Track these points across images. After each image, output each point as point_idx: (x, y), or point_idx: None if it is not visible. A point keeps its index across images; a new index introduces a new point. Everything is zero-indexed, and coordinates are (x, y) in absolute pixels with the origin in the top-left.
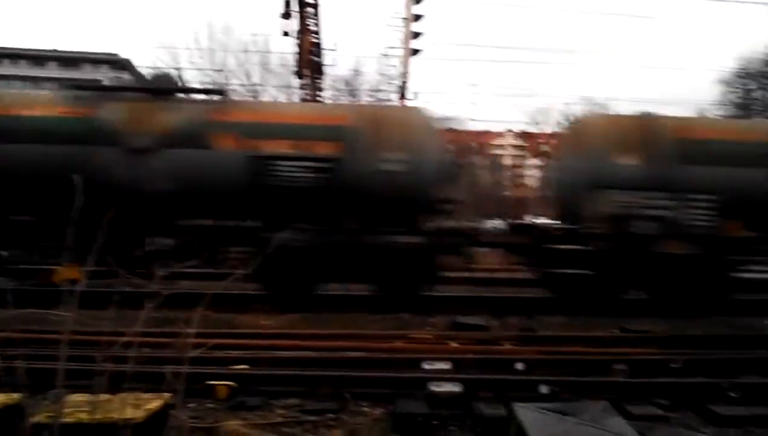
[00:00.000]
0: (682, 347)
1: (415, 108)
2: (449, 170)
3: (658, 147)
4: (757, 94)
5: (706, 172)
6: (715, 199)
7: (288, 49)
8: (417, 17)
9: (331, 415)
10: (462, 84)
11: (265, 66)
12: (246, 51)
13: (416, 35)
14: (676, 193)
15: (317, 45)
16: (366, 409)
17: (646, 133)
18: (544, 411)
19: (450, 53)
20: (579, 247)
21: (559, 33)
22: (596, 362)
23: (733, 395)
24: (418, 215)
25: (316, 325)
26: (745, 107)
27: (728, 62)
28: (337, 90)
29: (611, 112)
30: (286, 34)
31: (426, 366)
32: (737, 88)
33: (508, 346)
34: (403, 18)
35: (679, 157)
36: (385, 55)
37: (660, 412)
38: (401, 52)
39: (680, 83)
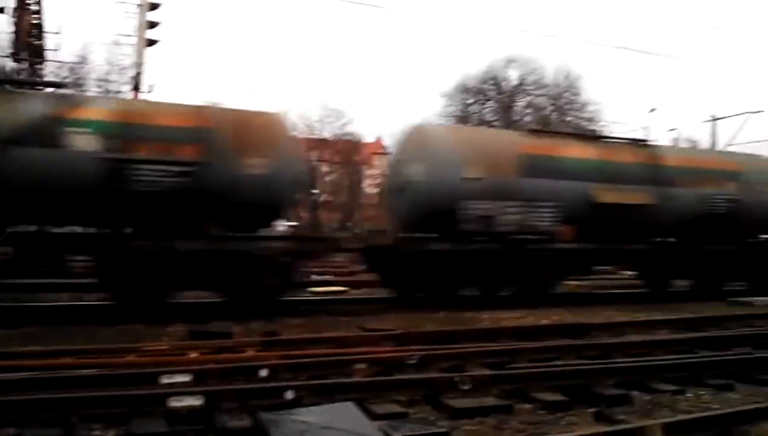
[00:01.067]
0: (418, 344)
1: (274, 114)
2: (307, 176)
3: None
4: (474, 108)
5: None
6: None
7: (2, 28)
8: (154, 6)
9: None
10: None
11: None
12: None
13: (153, 25)
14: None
15: (38, 26)
16: (97, 433)
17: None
18: (290, 418)
19: (195, 44)
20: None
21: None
22: (340, 362)
23: (464, 387)
24: (276, 220)
25: (40, 340)
26: (463, 120)
27: (450, 78)
28: (61, 78)
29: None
30: (0, 10)
31: (165, 380)
32: (457, 101)
33: (251, 352)
34: (138, 5)
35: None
36: (117, 44)
37: (400, 409)
38: (135, 41)
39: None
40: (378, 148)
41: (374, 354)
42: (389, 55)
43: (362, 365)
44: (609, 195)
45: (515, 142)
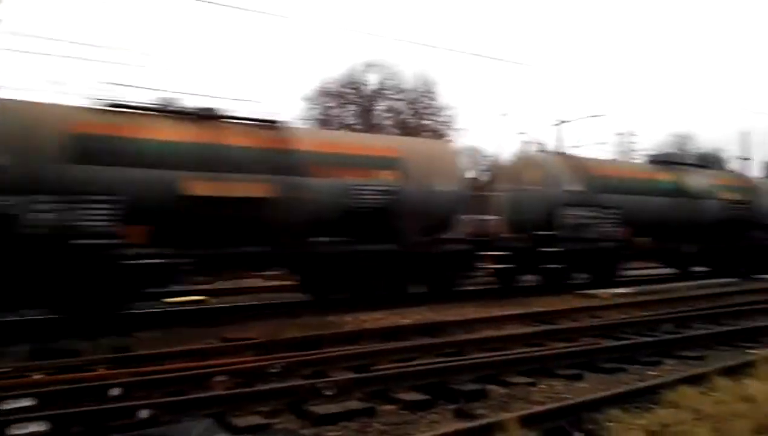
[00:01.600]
0: (281, 351)
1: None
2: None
3: None
4: (336, 111)
5: None
6: None
7: None
8: None
9: None
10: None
11: None
12: None
13: None
14: None
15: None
16: None
17: None
18: None
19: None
20: None
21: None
22: (198, 376)
23: (328, 393)
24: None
25: None
26: (325, 123)
27: (311, 81)
28: None
29: None
30: None
31: (5, 406)
32: (318, 105)
33: (101, 370)
34: None
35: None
36: None
37: (262, 420)
38: None
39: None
40: None
41: (235, 365)
42: (247, 56)
43: (222, 378)
44: (206, 187)
45: (64, 119)
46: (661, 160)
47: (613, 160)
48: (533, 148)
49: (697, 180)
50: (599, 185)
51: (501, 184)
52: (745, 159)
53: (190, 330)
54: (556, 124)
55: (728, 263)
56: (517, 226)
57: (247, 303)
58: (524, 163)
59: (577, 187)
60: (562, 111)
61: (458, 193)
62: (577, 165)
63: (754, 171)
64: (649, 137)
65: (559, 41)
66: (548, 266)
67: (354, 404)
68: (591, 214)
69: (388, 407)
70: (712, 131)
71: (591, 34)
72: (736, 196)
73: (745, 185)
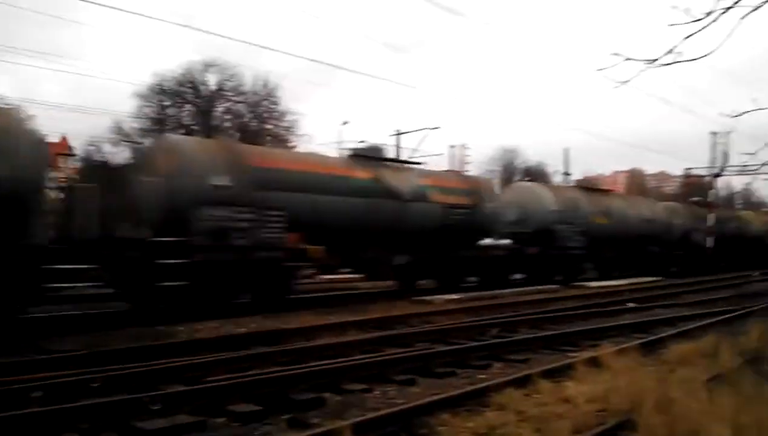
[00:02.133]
0: (104, 364)
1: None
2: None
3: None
4: (172, 110)
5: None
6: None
7: None
8: None
9: None
10: None
11: None
12: None
13: None
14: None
15: None
16: None
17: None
18: None
19: None
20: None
21: None
22: (11, 391)
23: (154, 407)
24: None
25: None
26: (160, 122)
27: (145, 77)
28: None
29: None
30: None
31: None
32: (153, 103)
33: None
34: None
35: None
36: None
37: None
38: None
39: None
40: (63, 149)
41: (53, 380)
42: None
43: (39, 393)
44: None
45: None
46: (361, 155)
47: (293, 153)
48: None
49: (407, 179)
50: (260, 180)
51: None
52: (567, 174)
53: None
54: (393, 135)
55: (449, 273)
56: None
57: (68, 313)
58: (158, 148)
59: (223, 180)
60: (401, 122)
61: None
62: (231, 153)
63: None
64: (481, 151)
65: (400, 53)
66: (166, 283)
67: (183, 418)
68: (244, 216)
69: (220, 419)
70: (537, 147)
71: (431, 47)
72: (457, 200)
73: (469, 187)
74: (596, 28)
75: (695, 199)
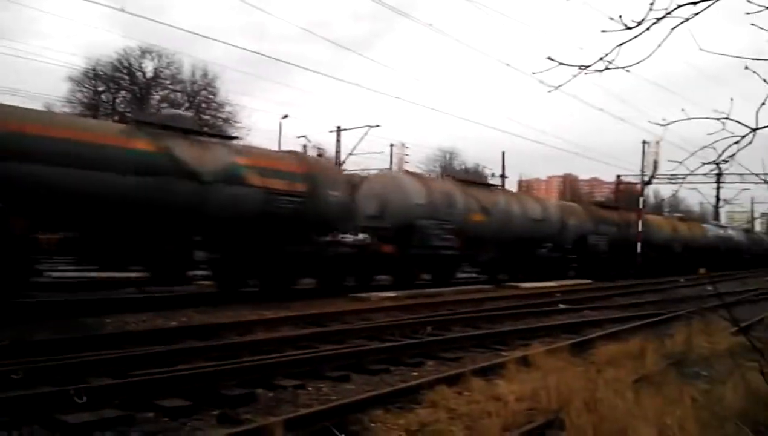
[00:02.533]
0: (27, 356)
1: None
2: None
3: None
4: (106, 96)
5: None
6: None
7: None
8: None
9: None
10: None
11: None
12: None
13: None
14: None
15: None
16: None
17: None
18: None
19: None
20: None
21: None
22: None
23: (80, 400)
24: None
25: None
26: (93, 108)
27: (78, 60)
28: None
29: None
30: None
31: None
32: (87, 88)
33: None
34: None
35: None
36: None
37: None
38: None
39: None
40: None
41: None
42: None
43: None
44: None
45: None
46: (148, 122)
47: (43, 113)
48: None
49: (213, 156)
50: None
51: None
52: (503, 177)
53: None
54: (334, 131)
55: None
56: None
57: None
58: None
59: None
60: (342, 119)
61: None
62: None
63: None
64: (420, 150)
65: (345, 50)
66: None
67: (110, 413)
68: None
69: (148, 414)
70: (476, 149)
71: (377, 45)
72: (286, 185)
73: (304, 171)
74: (538, 32)
75: (600, 200)
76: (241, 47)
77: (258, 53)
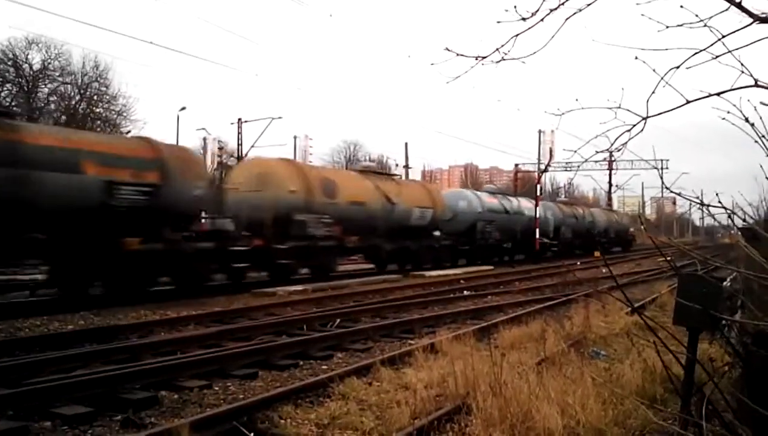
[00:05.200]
0: None
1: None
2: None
3: None
4: None
5: None
6: None
7: None
8: None
9: None
10: None
11: None
12: None
13: None
14: None
15: None
16: None
17: None
18: None
19: None
20: None
21: None
22: None
23: None
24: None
25: None
26: None
27: None
28: None
29: None
30: None
31: None
32: None
33: None
34: None
35: None
36: None
37: None
38: None
39: None
40: None
41: None
42: None
43: None
44: None
45: None
46: None
47: None
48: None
49: (31, 138)
50: None
51: None
52: (407, 167)
53: None
54: (235, 123)
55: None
56: None
57: None
58: None
59: None
60: (243, 111)
61: None
62: None
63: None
64: (324, 142)
65: (245, 40)
66: None
67: (4, 424)
68: None
69: (46, 423)
70: (380, 140)
71: (276, 36)
72: (131, 175)
73: (151, 157)
74: (439, 24)
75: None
76: (135, 37)
77: (153, 43)
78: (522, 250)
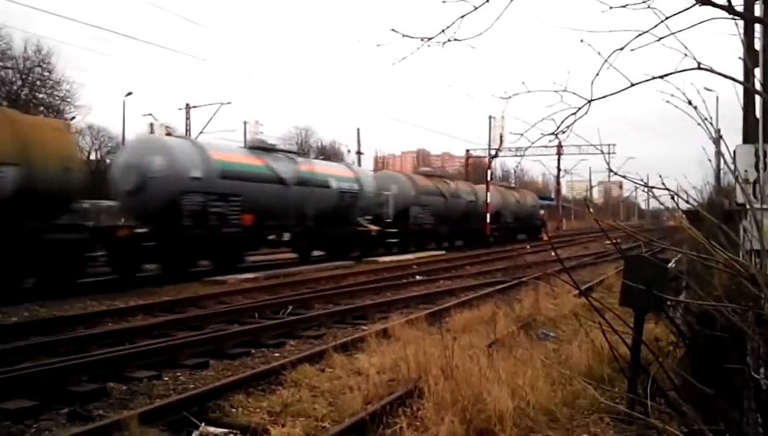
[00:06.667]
0: None
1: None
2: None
3: None
4: None
5: None
6: None
7: None
8: None
9: None
10: None
11: None
12: None
13: None
14: None
15: None
16: None
17: None
18: None
19: None
20: None
21: None
22: None
23: None
24: None
25: None
26: None
27: None
28: None
29: None
30: None
31: None
32: None
33: None
34: None
35: None
36: None
37: None
38: None
39: None
40: None
41: None
42: None
43: None
44: None
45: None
46: None
47: None
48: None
49: None
50: None
51: None
52: (359, 153)
53: None
54: (183, 109)
55: None
56: None
57: None
58: None
59: None
60: (191, 96)
61: None
62: None
63: (367, 165)
64: (275, 128)
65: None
66: None
67: None
68: None
69: None
70: (332, 126)
71: (225, 19)
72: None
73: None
74: (389, 7)
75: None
76: (80, 21)
77: (97, 27)
78: (461, 235)
